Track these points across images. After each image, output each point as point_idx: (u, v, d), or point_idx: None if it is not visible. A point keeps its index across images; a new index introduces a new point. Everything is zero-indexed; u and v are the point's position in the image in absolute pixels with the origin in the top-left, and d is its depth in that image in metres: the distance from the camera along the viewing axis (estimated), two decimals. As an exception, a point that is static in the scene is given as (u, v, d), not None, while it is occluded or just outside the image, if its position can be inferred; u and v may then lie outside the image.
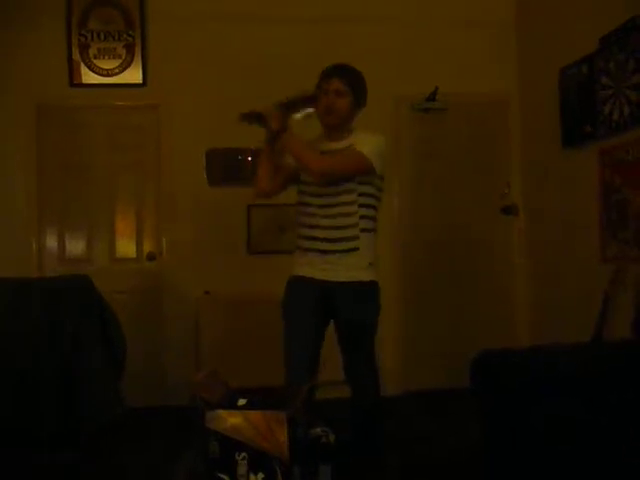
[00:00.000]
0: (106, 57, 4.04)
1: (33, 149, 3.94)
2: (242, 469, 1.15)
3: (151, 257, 4.07)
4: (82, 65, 4.02)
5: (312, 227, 2.24)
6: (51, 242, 4.00)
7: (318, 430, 1.37)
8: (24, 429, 2.60)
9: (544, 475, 1.60)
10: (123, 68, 4.04)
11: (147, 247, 4.08)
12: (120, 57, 4.04)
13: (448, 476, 2.58)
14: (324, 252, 2.21)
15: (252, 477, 1.14)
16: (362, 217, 2.23)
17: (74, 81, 4.00)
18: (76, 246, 4.02)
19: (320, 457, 1.33)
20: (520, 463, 1.74)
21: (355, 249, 2.20)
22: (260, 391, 1.83)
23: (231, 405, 1.19)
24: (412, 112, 4.15)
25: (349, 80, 2.23)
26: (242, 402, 1.20)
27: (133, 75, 4.04)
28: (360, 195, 2.22)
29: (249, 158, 3.99)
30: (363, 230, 2.23)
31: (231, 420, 1.16)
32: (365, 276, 2.24)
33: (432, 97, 4.08)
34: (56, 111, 4.00)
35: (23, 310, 2.69)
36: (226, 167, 4.05)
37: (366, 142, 2.21)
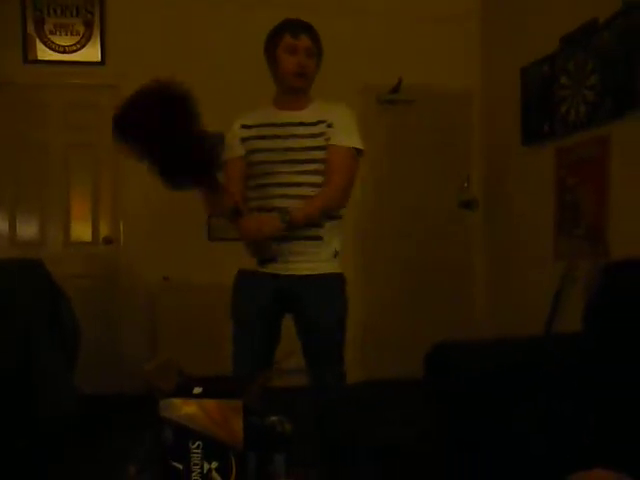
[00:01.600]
0: (63, 33, 3.90)
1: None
2: (196, 458, 1.14)
3: (108, 241, 3.97)
4: (37, 41, 3.86)
5: (269, 210, 1.91)
6: (1, 224, 3.86)
7: (274, 419, 1.38)
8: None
9: (492, 467, 1.64)
10: (81, 45, 3.91)
11: (103, 231, 3.99)
12: (78, 34, 3.91)
13: (402, 463, 2.63)
14: (282, 239, 1.90)
15: (206, 466, 1.13)
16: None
17: (29, 57, 3.85)
18: (28, 229, 3.89)
19: (275, 446, 1.33)
20: (469, 453, 1.78)
21: (318, 237, 1.95)
22: (216, 379, 1.82)
23: (186, 393, 1.17)
24: (378, 103, 4.17)
25: (316, 38, 1.99)
26: (197, 390, 1.19)
27: (91, 53, 3.91)
28: None
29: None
30: (330, 217, 1.97)
31: (186, 409, 1.15)
32: (330, 268, 1.99)
33: (396, 89, 4.11)
34: (9, 88, 3.84)
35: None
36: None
37: (344, 120, 1.98)
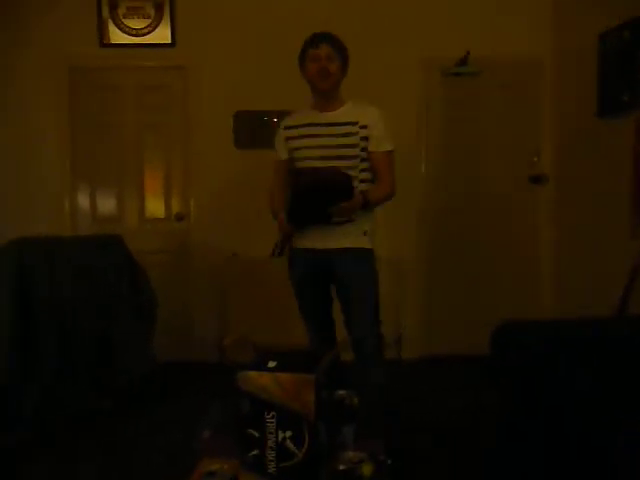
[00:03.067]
0: (135, 16, 4.04)
1: (65, 110, 4.01)
2: (271, 427, 1.21)
3: (179, 217, 4.14)
4: (111, 24, 4.02)
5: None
6: (83, 201, 4.10)
7: (343, 392, 1.44)
8: (63, 379, 2.74)
9: (554, 449, 1.64)
10: (152, 28, 4.04)
11: (175, 207, 4.16)
12: (149, 17, 4.03)
13: (461, 440, 2.65)
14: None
15: (280, 434, 1.21)
16: (361, 193, 2.27)
17: (104, 41, 4.02)
18: (107, 206, 4.12)
19: (343, 417, 1.39)
20: (531, 435, 1.78)
21: (350, 220, 2.28)
22: (289, 354, 1.90)
23: (262, 367, 1.25)
24: (442, 76, 4.08)
25: (337, 45, 2.30)
26: (272, 364, 1.26)
27: (162, 35, 4.03)
28: (362, 171, 2.31)
29: (275, 119, 3.99)
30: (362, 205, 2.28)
31: (261, 381, 1.22)
32: (360, 243, 2.32)
33: (463, 62, 3.99)
34: (87, 72, 4.05)
35: (58, 268, 2.79)
36: (254, 129, 4.06)
37: (378, 125, 2.30)
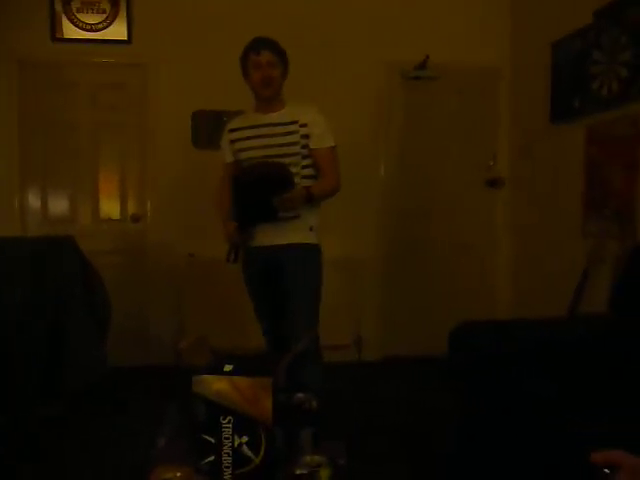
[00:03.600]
0: (90, 11, 3.91)
1: (15, 106, 3.85)
2: (227, 432, 1.18)
3: (135, 218, 4.04)
4: (64, 18, 3.89)
5: None
6: (34, 201, 3.95)
7: (301, 396, 1.42)
8: (11, 387, 2.62)
9: (510, 448, 1.66)
10: (107, 23, 3.92)
11: (131, 208, 4.05)
12: (104, 12, 3.92)
13: (420, 441, 2.67)
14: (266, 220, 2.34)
15: (237, 440, 1.18)
16: (302, 187, 2.34)
17: (56, 35, 3.88)
18: (59, 206, 3.98)
19: (302, 422, 1.37)
20: (488, 433, 1.81)
21: (296, 216, 2.34)
22: (246, 357, 1.87)
23: (217, 370, 1.21)
24: (402, 79, 4.12)
25: (277, 51, 2.36)
26: (228, 368, 1.23)
27: (118, 31, 3.92)
28: (303, 167, 2.37)
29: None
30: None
31: (217, 385, 1.19)
32: (306, 239, 2.38)
33: (423, 65, 4.05)
34: (38, 67, 3.90)
35: (6, 270, 2.67)
36: (213, 129, 3.99)
37: (318, 123, 2.36)
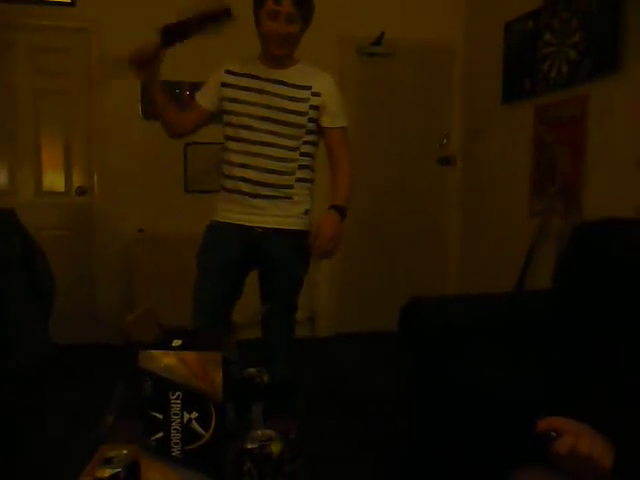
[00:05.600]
0: (30, -31, 3.69)
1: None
2: (176, 408, 1.15)
3: (81, 192, 3.89)
4: (3, -24, 3.65)
5: (242, 166, 1.98)
6: (-31, 171, 3.74)
7: (252, 370, 1.40)
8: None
9: (460, 422, 1.71)
10: (49, -17, 3.71)
11: (77, 181, 3.89)
12: (46, -30, 3.70)
13: (371, 413, 2.72)
14: (253, 195, 1.98)
15: (186, 416, 1.15)
16: (302, 166, 2.03)
17: (-6, -6, 3.64)
18: (-1, 177, 3.78)
19: (253, 396, 1.36)
20: (437, 408, 1.85)
21: (288, 197, 2.02)
22: (194, 331, 1.83)
23: (165, 345, 1.18)
24: (357, 55, 4.09)
25: (301, 3, 1.93)
26: (177, 343, 1.19)
27: (61, -8, 3.72)
28: (305, 143, 2.03)
29: (187, 92, 3.82)
30: (301, 180, 2.04)
31: (165, 360, 1.16)
32: (301, 225, 2.05)
33: (378, 41, 4.02)
34: (-27, 26, 3.65)
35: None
36: (163, 100, 3.86)
37: (334, 96, 2.03)
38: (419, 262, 4.24)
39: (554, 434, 0.88)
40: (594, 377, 1.45)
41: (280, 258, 2.02)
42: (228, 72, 2.03)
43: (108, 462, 1.12)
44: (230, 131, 2.02)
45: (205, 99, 2.05)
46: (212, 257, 2.03)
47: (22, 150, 3.79)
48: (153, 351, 1.17)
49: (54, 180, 3.87)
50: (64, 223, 3.85)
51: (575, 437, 0.85)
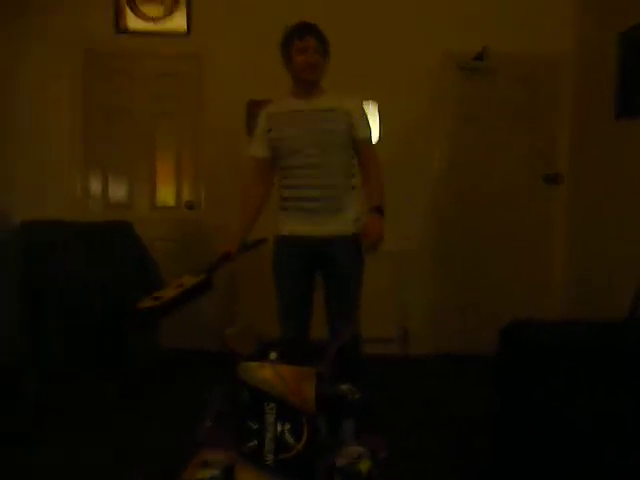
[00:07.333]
0: (152, 3, 4.03)
1: (79, 94, 4.01)
2: (270, 418, 1.20)
3: (189, 206, 4.14)
4: (128, 10, 4.01)
5: (300, 187, 2.32)
6: (95, 186, 4.11)
7: (344, 387, 1.43)
8: (74, 364, 2.76)
9: (555, 452, 1.62)
10: (168, 15, 4.02)
11: (186, 196, 4.16)
12: (165, 4, 4.02)
13: (460, 437, 2.64)
14: (313, 211, 2.30)
15: (279, 426, 1.20)
16: (348, 176, 2.35)
17: (120, 27, 4.02)
18: (119, 192, 4.13)
19: (345, 413, 1.38)
20: (533, 435, 1.76)
21: (342, 207, 2.32)
22: (292, 345, 1.89)
23: (262, 358, 1.24)
24: (458, 70, 4.03)
25: (321, 38, 2.35)
26: (273, 355, 1.25)
27: (177, 23, 4.02)
28: (347, 156, 2.35)
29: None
30: (350, 188, 2.36)
31: (262, 372, 1.22)
32: (352, 230, 2.34)
33: (480, 56, 3.94)
34: (102, 56, 4.04)
35: (67, 252, 2.80)
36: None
37: (361, 112, 2.37)
38: (521, 282, 4.06)
39: None
40: None
41: (342, 260, 2.33)
42: (269, 115, 2.41)
43: (206, 465, 1.19)
44: (284, 162, 2.36)
45: (260, 149, 2.43)
46: (285, 267, 2.41)
47: (139, 168, 4.13)
48: (250, 363, 1.23)
49: (166, 195, 4.16)
50: (174, 235, 4.11)
51: None
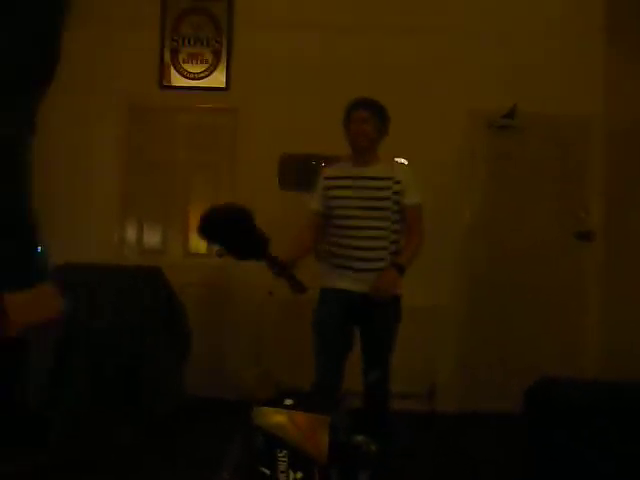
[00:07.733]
0: (194, 61, 4.26)
1: (124, 147, 4.22)
2: (283, 466, 1.20)
3: (220, 254, 4.21)
4: (172, 68, 4.26)
5: (347, 247, 2.57)
6: (131, 234, 4.26)
7: (360, 438, 1.41)
8: (98, 407, 2.78)
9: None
10: (209, 72, 4.24)
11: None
12: (207, 62, 4.24)
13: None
14: (358, 270, 2.54)
15: (292, 475, 1.19)
16: (393, 242, 2.58)
17: (164, 83, 4.25)
18: (153, 238, 4.27)
19: (359, 464, 1.36)
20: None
21: (382, 268, 2.52)
22: (309, 394, 1.88)
23: (278, 404, 1.24)
24: (487, 128, 4.08)
25: (372, 109, 2.64)
26: (289, 402, 1.25)
27: (217, 79, 4.23)
28: (393, 222, 2.58)
29: (323, 164, 4.07)
30: (392, 252, 2.57)
31: (276, 418, 1.22)
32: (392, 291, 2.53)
33: (510, 115, 4.00)
34: (146, 111, 4.26)
35: (98, 295, 2.88)
36: (299, 172, 4.14)
37: (411, 181, 2.62)
38: (551, 339, 3.95)
39: None
40: None
41: (378, 322, 2.55)
42: (326, 178, 2.72)
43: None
44: (334, 221, 2.64)
45: (316, 204, 2.73)
46: (326, 318, 2.61)
47: (174, 215, 4.26)
48: (266, 408, 1.24)
49: (198, 243, 4.26)
50: (204, 282, 4.18)
51: None
